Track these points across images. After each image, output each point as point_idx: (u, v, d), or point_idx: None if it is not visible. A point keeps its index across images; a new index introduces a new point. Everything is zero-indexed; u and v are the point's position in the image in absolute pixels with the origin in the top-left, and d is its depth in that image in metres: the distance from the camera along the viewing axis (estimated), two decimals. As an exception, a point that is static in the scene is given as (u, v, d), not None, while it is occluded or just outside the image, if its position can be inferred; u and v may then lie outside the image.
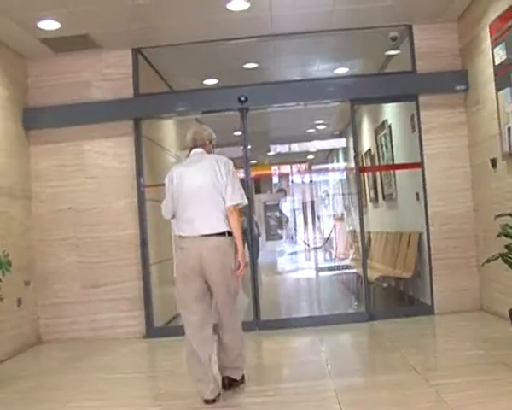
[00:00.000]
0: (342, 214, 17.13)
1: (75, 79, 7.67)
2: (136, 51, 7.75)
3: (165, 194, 4.82)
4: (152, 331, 7.53)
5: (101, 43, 7.43)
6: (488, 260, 5.35)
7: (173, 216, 4.77)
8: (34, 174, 7.68)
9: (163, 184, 4.67)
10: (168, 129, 9.78)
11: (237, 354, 4.78)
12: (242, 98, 7.50)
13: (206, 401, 4.50)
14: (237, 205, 4.64)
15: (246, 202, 4.74)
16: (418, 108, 7.55)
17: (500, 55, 6.15)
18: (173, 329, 7.94)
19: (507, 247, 5.09)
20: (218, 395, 4.58)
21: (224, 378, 4.80)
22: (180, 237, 4.64)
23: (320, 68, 9.30)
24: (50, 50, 7.47)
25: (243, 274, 4.69)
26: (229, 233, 4.59)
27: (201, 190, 4.60)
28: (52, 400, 5.05)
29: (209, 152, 4.91)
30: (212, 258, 4.51)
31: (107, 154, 7.66)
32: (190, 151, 4.89)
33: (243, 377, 4.93)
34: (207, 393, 4.51)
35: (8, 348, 6.73)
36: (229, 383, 4.78)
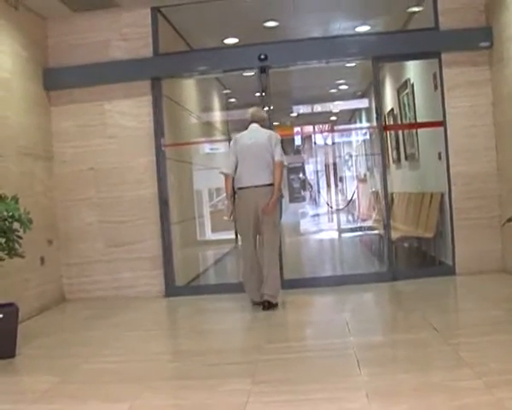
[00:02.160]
0: (365, 175, 17.05)
1: (94, 38, 7.64)
2: (156, 10, 7.68)
3: (229, 154, 6.44)
4: (173, 290, 7.59)
5: (120, 1, 7.38)
6: (509, 220, 5.28)
7: (233, 172, 6.34)
8: (55, 135, 7.72)
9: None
10: (189, 88, 9.75)
11: (272, 281, 6.30)
12: (262, 56, 7.43)
13: (255, 303, 6.38)
14: (281, 162, 6.27)
15: (285, 163, 6.39)
16: (441, 66, 7.41)
17: (526, 9, 6.01)
18: (194, 288, 8.04)
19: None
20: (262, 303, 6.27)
21: (264, 302, 6.29)
22: (239, 188, 6.33)
23: (341, 26, 9.15)
24: (69, 10, 7.44)
25: (270, 209, 6.24)
26: (273, 185, 6.28)
27: (256, 152, 6.29)
28: (76, 355, 5.13)
29: (262, 126, 6.53)
30: (262, 200, 6.23)
31: (127, 113, 7.64)
32: (249, 124, 6.53)
33: (277, 304, 6.37)
34: (256, 298, 6.37)
35: (33, 306, 6.84)
36: (268, 306, 6.25)
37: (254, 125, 6.50)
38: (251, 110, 6.61)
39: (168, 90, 7.94)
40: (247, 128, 6.54)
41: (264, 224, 6.31)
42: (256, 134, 6.40)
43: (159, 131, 7.62)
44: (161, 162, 7.64)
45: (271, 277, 6.28)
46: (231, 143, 6.51)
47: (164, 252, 7.61)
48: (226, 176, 6.38)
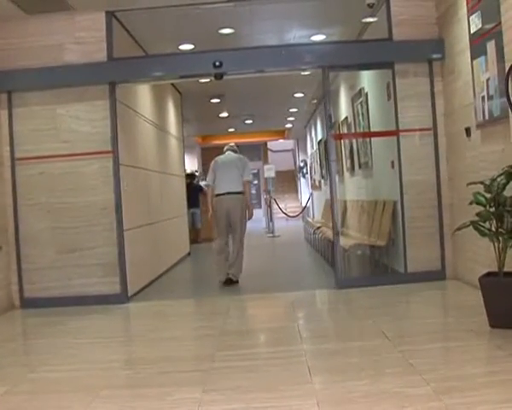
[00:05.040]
0: (319, 183, 17.19)
1: (48, 41, 7.49)
2: (110, 14, 7.59)
3: (210, 170, 8.62)
4: (125, 297, 7.50)
5: (74, 4, 7.27)
6: (459, 228, 5.36)
7: (213, 183, 8.53)
8: (6, 138, 7.56)
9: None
10: (143, 94, 9.66)
11: (238, 265, 8.44)
12: (217, 63, 7.41)
13: (224, 282, 8.35)
14: (248, 181, 8.63)
15: (251, 178, 8.82)
16: (394, 76, 7.53)
17: (476, 23, 6.12)
18: (147, 295, 7.98)
19: (478, 214, 5.11)
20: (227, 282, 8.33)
21: (227, 279, 8.39)
22: (217, 194, 8.44)
23: (297, 35, 9.23)
24: (22, 12, 7.30)
25: (251, 217, 8.74)
26: (242, 193, 8.45)
27: (229, 170, 8.47)
28: (25, 364, 5.06)
29: (235, 152, 8.82)
30: (233, 205, 8.38)
31: (80, 118, 7.53)
32: (226, 151, 8.86)
33: (237, 281, 8.45)
34: (224, 279, 8.33)
35: (-19, 314, 6.69)
36: (230, 282, 8.35)
37: (230, 152, 8.82)
38: (228, 145, 9.05)
39: (122, 96, 7.85)
40: (224, 153, 8.82)
41: (233, 223, 8.40)
42: (229, 157, 8.72)
43: (114, 137, 7.53)
44: (116, 168, 7.53)
45: (237, 263, 8.43)
46: (212, 162, 8.73)
47: (118, 259, 7.52)
48: (208, 186, 8.72)
